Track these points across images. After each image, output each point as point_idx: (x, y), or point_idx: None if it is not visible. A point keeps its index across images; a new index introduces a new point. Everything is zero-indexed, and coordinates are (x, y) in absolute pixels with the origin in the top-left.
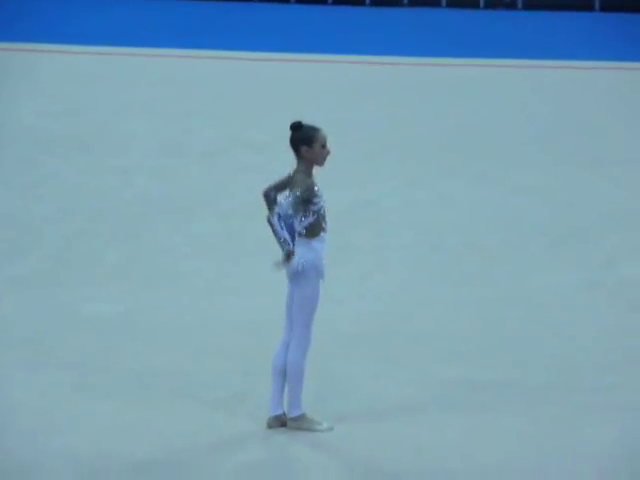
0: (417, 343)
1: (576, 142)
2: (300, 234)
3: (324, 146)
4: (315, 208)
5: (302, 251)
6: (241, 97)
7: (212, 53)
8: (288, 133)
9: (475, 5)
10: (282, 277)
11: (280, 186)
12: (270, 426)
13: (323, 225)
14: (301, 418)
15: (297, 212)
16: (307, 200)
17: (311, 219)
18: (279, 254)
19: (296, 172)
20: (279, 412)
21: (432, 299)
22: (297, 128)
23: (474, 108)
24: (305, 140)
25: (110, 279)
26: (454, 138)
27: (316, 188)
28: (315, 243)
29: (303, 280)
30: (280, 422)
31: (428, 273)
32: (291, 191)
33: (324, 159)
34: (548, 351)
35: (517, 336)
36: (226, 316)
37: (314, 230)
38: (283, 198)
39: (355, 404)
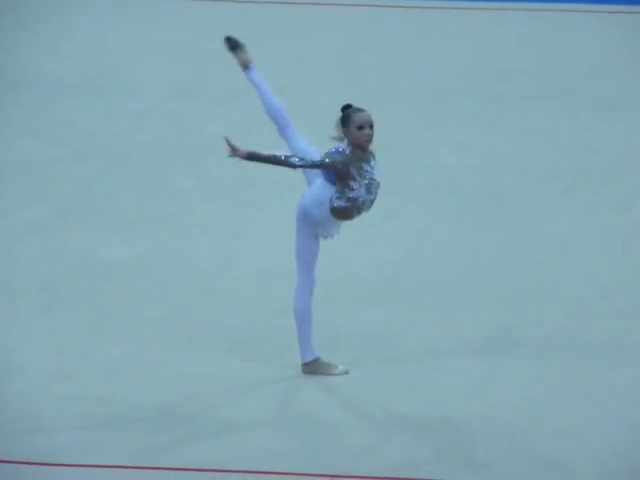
0: (433, 287)
1: (591, 86)
2: (330, 201)
3: (361, 127)
4: (352, 195)
5: (316, 202)
6: (252, 40)
7: None
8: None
9: None
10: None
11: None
12: (316, 370)
13: (354, 216)
14: (315, 362)
15: (338, 189)
16: (342, 177)
17: (342, 203)
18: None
19: (354, 154)
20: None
21: (447, 243)
22: (348, 108)
23: (487, 52)
24: (343, 121)
25: (125, 223)
26: (466, 82)
27: (354, 170)
28: (335, 219)
29: (306, 224)
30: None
31: (443, 217)
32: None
33: (364, 141)
34: (564, 295)
35: (533, 280)
36: (241, 260)
37: (338, 214)
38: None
39: (371, 348)
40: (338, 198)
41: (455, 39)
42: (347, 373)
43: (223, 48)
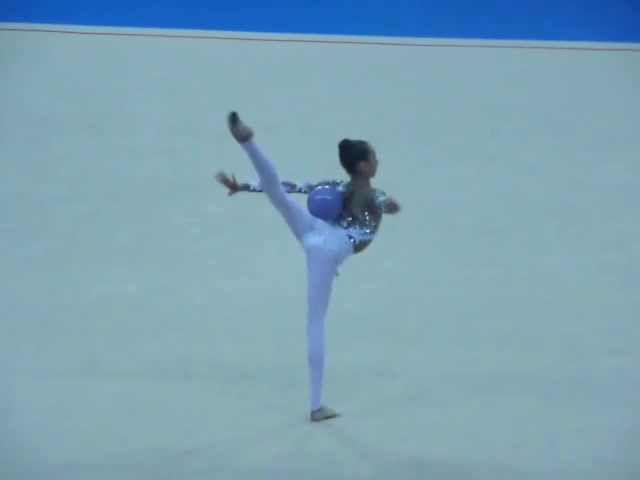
0: (427, 324)
1: (586, 124)
2: (351, 237)
3: (374, 157)
4: (378, 227)
5: (341, 244)
6: (251, 78)
7: (222, 34)
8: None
9: None
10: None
11: (311, 188)
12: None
13: (367, 246)
14: (322, 409)
15: (362, 224)
16: (375, 211)
17: (371, 237)
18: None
19: (357, 188)
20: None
21: (443, 279)
22: (348, 146)
23: (482, 89)
24: (361, 155)
25: (121, 260)
26: (463, 119)
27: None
28: (351, 254)
29: (329, 269)
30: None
31: (439, 254)
32: (358, 202)
33: (376, 170)
34: (559, 332)
35: (528, 317)
36: (237, 297)
37: (361, 246)
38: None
39: (366, 384)
40: (370, 233)
41: (452, 75)
42: (340, 415)
43: (219, 87)
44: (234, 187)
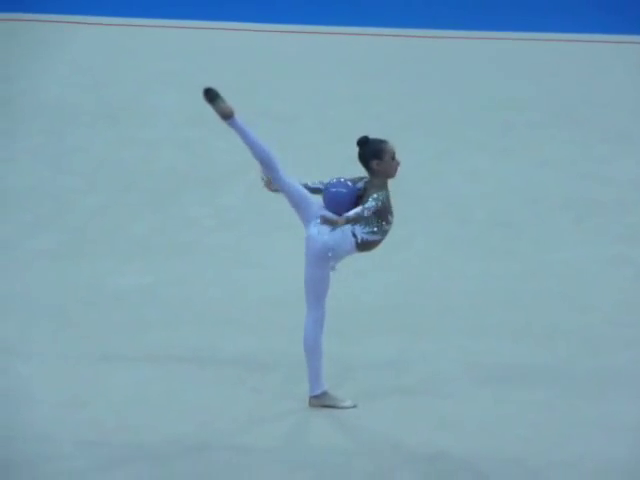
0: (443, 316)
1: (602, 117)
2: (354, 235)
3: (393, 157)
4: (387, 228)
5: (338, 238)
6: (265, 69)
7: (239, 25)
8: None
9: None
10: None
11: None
12: (324, 402)
13: (374, 247)
14: (323, 396)
15: (368, 223)
16: (382, 212)
17: (377, 237)
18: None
19: (370, 185)
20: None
21: (458, 272)
22: (364, 143)
23: (498, 82)
24: (375, 154)
25: (136, 251)
26: (479, 112)
27: (392, 208)
28: (359, 252)
29: (322, 261)
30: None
31: (454, 246)
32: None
33: (395, 170)
34: (574, 325)
35: (543, 310)
36: (251, 289)
37: (366, 246)
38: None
39: (381, 378)
40: (374, 233)
41: (468, 68)
42: (355, 407)
43: (235, 79)
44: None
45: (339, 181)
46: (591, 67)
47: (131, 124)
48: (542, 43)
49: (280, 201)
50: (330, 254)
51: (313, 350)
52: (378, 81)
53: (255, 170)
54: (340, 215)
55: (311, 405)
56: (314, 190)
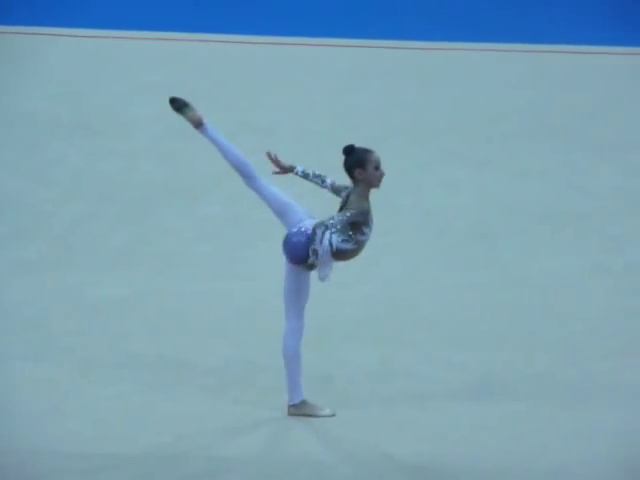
0: (422, 327)
1: (581, 127)
2: (330, 244)
3: (377, 168)
4: (361, 238)
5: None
6: (245, 81)
7: (218, 37)
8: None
9: None
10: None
11: (334, 188)
12: (304, 410)
13: (349, 258)
14: (302, 404)
15: (342, 232)
16: (357, 224)
17: (349, 246)
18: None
19: (352, 193)
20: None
21: (438, 283)
22: (349, 152)
23: (478, 93)
24: (358, 163)
25: (116, 263)
26: (458, 123)
27: (369, 217)
28: (332, 261)
29: (302, 270)
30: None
31: (434, 257)
32: (343, 210)
33: (379, 181)
34: (553, 335)
35: (522, 320)
36: (231, 300)
37: (340, 256)
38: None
39: (361, 389)
40: (346, 241)
41: (446, 79)
42: (333, 415)
43: (214, 90)
44: (282, 167)
45: (299, 230)
46: (570, 78)
47: (110, 135)
48: (521, 54)
49: (259, 212)
50: (309, 261)
51: (292, 359)
52: (358, 92)
53: (235, 180)
54: (298, 262)
55: (290, 414)
56: (325, 186)
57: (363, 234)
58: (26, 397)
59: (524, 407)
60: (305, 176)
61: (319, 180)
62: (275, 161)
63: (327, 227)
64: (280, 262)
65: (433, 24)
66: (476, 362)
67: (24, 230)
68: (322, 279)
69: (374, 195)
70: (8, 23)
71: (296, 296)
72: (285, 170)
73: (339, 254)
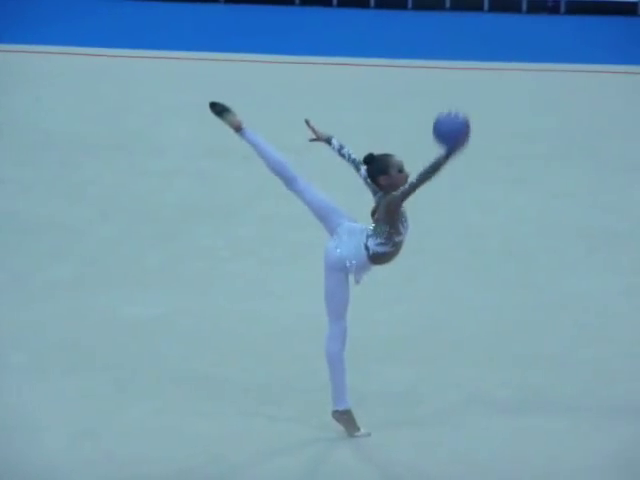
0: (456, 348)
1: (615, 147)
2: (367, 248)
3: (401, 170)
4: (398, 239)
5: (352, 250)
6: (279, 100)
7: (251, 57)
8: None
9: (517, 9)
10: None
11: (366, 180)
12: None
13: (387, 261)
14: (347, 413)
15: (378, 235)
16: (394, 220)
17: (386, 249)
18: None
19: (382, 200)
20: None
21: (471, 303)
22: (370, 161)
23: (511, 112)
24: (381, 170)
25: (150, 282)
26: (492, 143)
27: (404, 216)
28: (372, 264)
29: (338, 273)
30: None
31: (468, 277)
32: (378, 215)
33: (404, 182)
34: (587, 355)
35: (556, 341)
36: (266, 320)
37: (378, 259)
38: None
39: (395, 409)
40: (383, 244)
41: (479, 99)
42: (369, 435)
43: (249, 110)
44: (318, 135)
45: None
46: (605, 97)
47: (144, 155)
48: (555, 74)
49: (293, 232)
50: (348, 264)
51: (334, 364)
52: (391, 112)
53: (269, 200)
54: (333, 267)
55: (333, 417)
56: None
57: (400, 234)
58: (61, 416)
59: (559, 427)
60: (340, 150)
61: (353, 164)
62: (312, 128)
63: (361, 232)
64: (315, 280)
65: (466, 44)
66: (509, 382)
67: (59, 249)
68: (357, 282)
69: (408, 213)
70: (43, 43)
71: (333, 300)
72: (321, 139)
73: (376, 258)
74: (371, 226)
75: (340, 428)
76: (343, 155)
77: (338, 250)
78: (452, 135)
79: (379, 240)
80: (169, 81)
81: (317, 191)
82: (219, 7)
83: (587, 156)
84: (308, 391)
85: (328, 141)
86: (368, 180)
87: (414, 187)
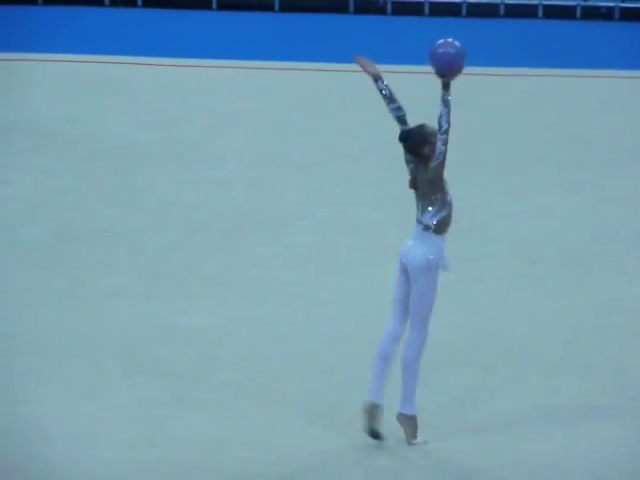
0: (513, 354)
1: None
2: (427, 227)
3: (435, 137)
4: (448, 198)
5: (428, 247)
6: (333, 108)
7: (303, 65)
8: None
9: (572, 16)
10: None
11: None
12: (365, 411)
13: (449, 223)
14: (411, 419)
15: (430, 204)
16: (443, 183)
17: (445, 212)
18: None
19: (421, 167)
20: (377, 401)
21: (528, 309)
22: (409, 135)
23: (567, 118)
24: (425, 140)
25: (206, 290)
26: (549, 148)
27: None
28: (439, 240)
29: (425, 276)
30: (375, 411)
31: (524, 284)
32: (422, 187)
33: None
34: None
35: (613, 347)
36: (321, 328)
37: (443, 227)
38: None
39: (450, 416)
40: (440, 210)
41: (535, 105)
42: (426, 443)
43: (303, 118)
44: (367, 68)
45: (445, 41)
46: None
47: (200, 164)
48: (610, 80)
49: (349, 239)
50: (441, 262)
51: (411, 370)
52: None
53: (324, 207)
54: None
55: (397, 419)
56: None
57: (448, 193)
58: (118, 424)
59: (616, 434)
60: (385, 93)
61: (398, 112)
62: (361, 64)
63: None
64: (370, 290)
65: (525, 50)
66: (566, 389)
67: (116, 258)
68: (446, 268)
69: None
70: (101, 53)
71: (425, 304)
72: (369, 72)
73: (441, 227)
74: (419, 204)
75: (400, 434)
76: (386, 96)
77: (420, 252)
78: (445, 60)
79: (436, 208)
80: (224, 90)
81: None
82: (273, 16)
83: None
84: (363, 399)
85: (376, 79)
86: (404, 127)
87: (446, 142)
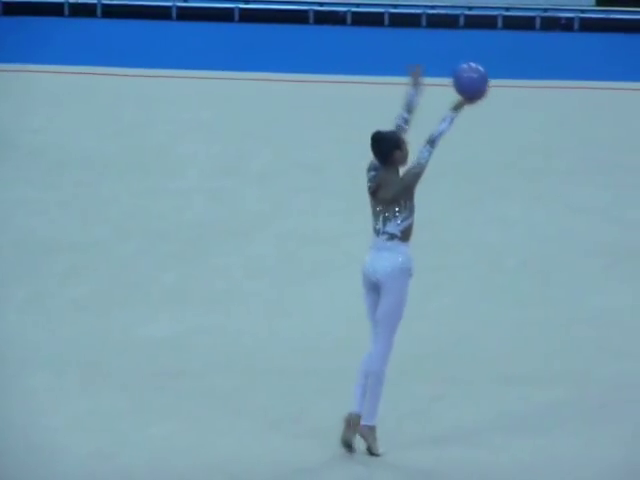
0: (476, 364)
1: (633, 162)
2: (393, 236)
3: (406, 145)
4: (414, 208)
5: (397, 254)
6: (294, 119)
7: (263, 75)
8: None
9: (531, 26)
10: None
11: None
12: (346, 421)
13: (412, 230)
14: (373, 430)
15: (396, 214)
16: (413, 193)
17: (410, 220)
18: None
19: (387, 174)
20: (359, 411)
21: (490, 320)
22: (381, 138)
23: (530, 129)
24: (396, 144)
25: (167, 301)
26: (510, 159)
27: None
28: (405, 247)
29: (398, 282)
30: (356, 422)
31: (486, 294)
32: (385, 194)
33: (407, 158)
34: (607, 371)
35: (576, 357)
36: (282, 338)
37: (408, 233)
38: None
39: (414, 426)
40: (405, 219)
41: (499, 115)
42: (383, 454)
43: (264, 129)
44: (415, 82)
45: (469, 65)
46: (623, 114)
47: (161, 174)
48: (571, 90)
49: (310, 249)
50: (411, 267)
51: (379, 382)
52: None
53: (285, 219)
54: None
55: (357, 431)
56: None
57: (413, 204)
58: (78, 435)
59: (579, 443)
60: (411, 103)
61: (403, 123)
62: (417, 75)
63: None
64: (332, 300)
65: (486, 61)
66: (529, 399)
67: (78, 269)
68: (411, 274)
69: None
70: (60, 63)
71: (396, 313)
72: (414, 84)
73: (407, 233)
74: (383, 213)
75: (362, 447)
76: (408, 103)
77: (387, 262)
78: (472, 85)
79: (403, 216)
80: (185, 100)
81: None
82: (233, 26)
83: (604, 171)
84: (326, 409)
85: (414, 89)
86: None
87: (430, 153)
